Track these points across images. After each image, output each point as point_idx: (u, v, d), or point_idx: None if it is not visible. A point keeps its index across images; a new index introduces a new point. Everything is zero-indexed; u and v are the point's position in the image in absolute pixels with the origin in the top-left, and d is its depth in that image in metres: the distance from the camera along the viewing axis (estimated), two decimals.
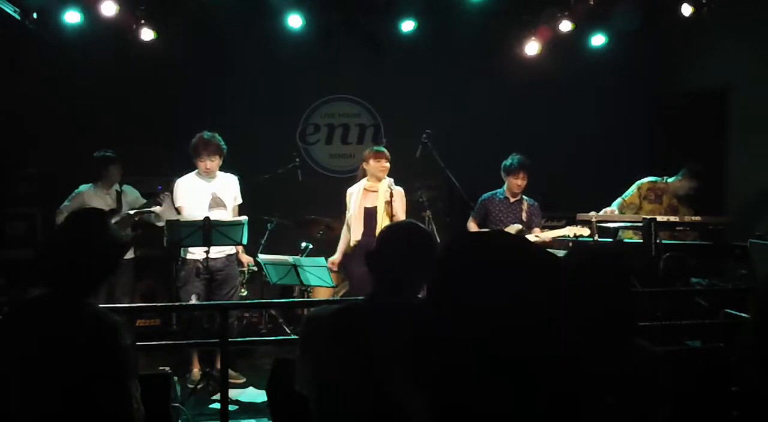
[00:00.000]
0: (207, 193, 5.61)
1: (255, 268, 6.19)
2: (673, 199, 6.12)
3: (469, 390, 1.39)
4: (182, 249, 5.55)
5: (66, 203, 6.09)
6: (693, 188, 6.09)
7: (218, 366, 4.90)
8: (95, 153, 6.15)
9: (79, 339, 2.27)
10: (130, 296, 6.25)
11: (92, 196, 6.12)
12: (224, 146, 5.58)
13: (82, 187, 6.18)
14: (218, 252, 5.46)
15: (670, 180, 6.16)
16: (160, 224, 5.89)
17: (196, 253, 5.48)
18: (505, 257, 1.45)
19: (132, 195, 6.27)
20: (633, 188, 6.19)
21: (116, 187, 6.20)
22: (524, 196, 6.10)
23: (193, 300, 5.40)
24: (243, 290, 6.19)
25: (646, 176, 6.26)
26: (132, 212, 6.06)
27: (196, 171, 5.64)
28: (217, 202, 5.61)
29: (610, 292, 2.24)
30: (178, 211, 5.64)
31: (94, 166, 6.14)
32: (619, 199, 6.15)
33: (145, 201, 6.18)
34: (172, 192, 5.74)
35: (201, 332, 5.47)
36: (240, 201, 5.81)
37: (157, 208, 6.02)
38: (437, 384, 1.41)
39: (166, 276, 6.76)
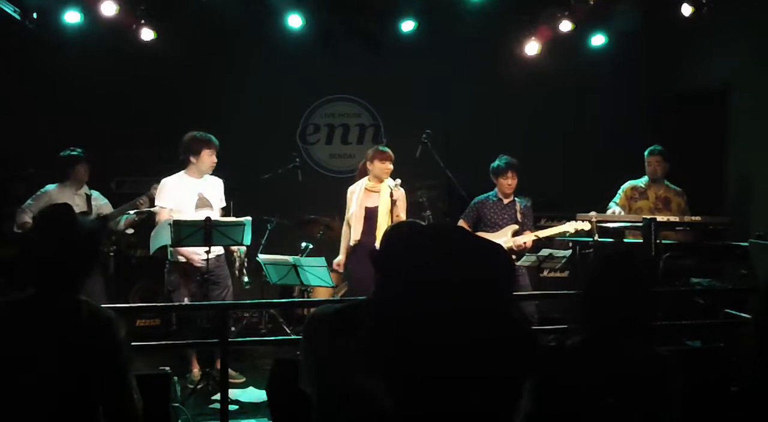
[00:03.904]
0: (194, 192, 5.58)
1: (244, 248, 5.88)
2: (659, 189, 6.15)
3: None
4: (169, 252, 5.49)
5: (29, 202, 5.83)
6: (660, 165, 6.11)
7: (218, 366, 4.89)
8: (62, 152, 5.96)
9: (76, 336, 2.27)
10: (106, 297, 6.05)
11: (59, 196, 5.75)
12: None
13: (48, 187, 5.93)
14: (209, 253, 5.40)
15: (644, 178, 6.21)
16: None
17: (185, 255, 5.45)
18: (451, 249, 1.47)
19: (101, 201, 6.11)
20: (620, 193, 6.24)
21: (86, 189, 6.02)
22: (516, 197, 6.09)
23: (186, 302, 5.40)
24: (245, 277, 6.13)
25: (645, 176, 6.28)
26: (132, 212, 6.04)
27: (183, 170, 5.61)
28: (204, 202, 5.58)
29: (623, 294, 2.24)
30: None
31: (61, 165, 5.93)
32: (615, 206, 6.12)
33: (114, 210, 6.04)
34: None
35: (198, 332, 5.42)
36: (224, 204, 5.78)
37: (157, 208, 5.99)
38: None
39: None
